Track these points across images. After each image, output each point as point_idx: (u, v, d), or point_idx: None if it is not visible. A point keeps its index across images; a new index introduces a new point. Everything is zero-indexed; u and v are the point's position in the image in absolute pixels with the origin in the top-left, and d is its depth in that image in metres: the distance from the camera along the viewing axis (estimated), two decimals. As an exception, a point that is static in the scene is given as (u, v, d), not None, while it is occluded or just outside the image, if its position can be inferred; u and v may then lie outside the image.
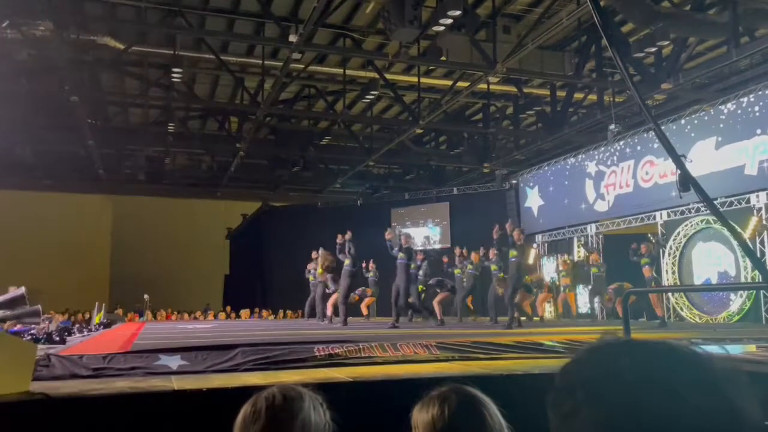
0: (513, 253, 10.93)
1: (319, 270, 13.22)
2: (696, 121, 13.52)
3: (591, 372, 0.79)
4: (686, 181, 3.91)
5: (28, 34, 11.08)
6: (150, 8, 11.66)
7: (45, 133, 16.62)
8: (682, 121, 13.81)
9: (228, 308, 21.96)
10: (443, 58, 12.30)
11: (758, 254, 11.94)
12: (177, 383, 4.05)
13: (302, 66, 13.79)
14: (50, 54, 11.79)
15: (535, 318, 15.29)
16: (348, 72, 14.30)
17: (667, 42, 11.16)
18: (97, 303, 12.98)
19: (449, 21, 10.28)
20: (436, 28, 10.67)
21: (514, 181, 19.94)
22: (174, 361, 4.79)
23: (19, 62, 12.94)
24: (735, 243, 12.49)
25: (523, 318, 12.90)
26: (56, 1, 10.71)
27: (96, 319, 12.05)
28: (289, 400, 1.57)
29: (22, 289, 7.14)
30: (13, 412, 3.32)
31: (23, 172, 19.17)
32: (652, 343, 0.81)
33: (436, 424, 1.61)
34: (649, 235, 13.18)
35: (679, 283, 14.50)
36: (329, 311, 13.01)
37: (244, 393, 1.72)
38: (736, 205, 12.70)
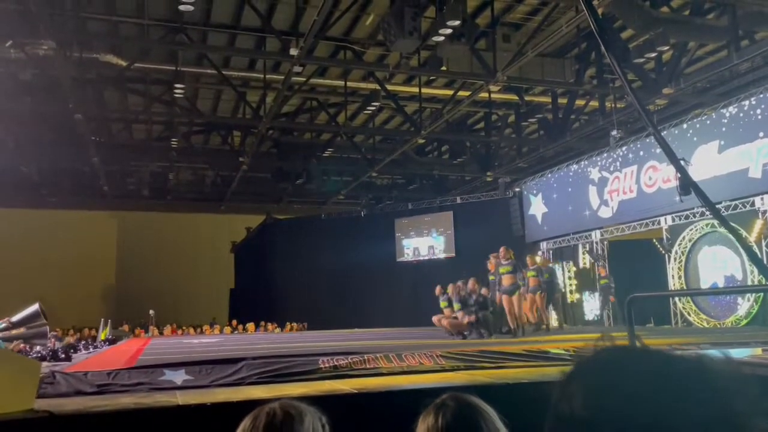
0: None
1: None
2: (698, 126, 13.48)
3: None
4: (687, 185, 3.91)
5: (32, 54, 11.18)
6: (152, 25, 11.76)
7: (50, 151, 16.73)
8: (684, 126, 13.77)
9: (234, 322, 21.93)
10: (444, 68, 12.36)
11: (762, 256, 11.88)
12: (181, 398, 4.04)
13: (304, 79, 13.86)
14: (54, 73, 11.88)
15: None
16: (349, 84, 14.35)
17: (667, 47, 11.18)
18: (102, 319, 12.98)
19: (449, 31, 10.32)
20: (435, 39, 10.72)
21: (517, 189, 19.89)
22: (178, 376, 4.79)
23: (23, 81, 13.06)
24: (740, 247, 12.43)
25: (544, 327, 12.88)
26: (59, 20, 10.81)
27: (102, 335, 12.05)
28: (289, 417, 1.55)
29: (37, 306, 7.06)
30: (17, 430, 3.31)
31: (29, 190, 19.29)
32: (645, 380, 0.75)
33: None
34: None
35: (685, 288, 14.40)
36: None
37: (249, 407, 1.69)
38: (740, 209, 12.64)
